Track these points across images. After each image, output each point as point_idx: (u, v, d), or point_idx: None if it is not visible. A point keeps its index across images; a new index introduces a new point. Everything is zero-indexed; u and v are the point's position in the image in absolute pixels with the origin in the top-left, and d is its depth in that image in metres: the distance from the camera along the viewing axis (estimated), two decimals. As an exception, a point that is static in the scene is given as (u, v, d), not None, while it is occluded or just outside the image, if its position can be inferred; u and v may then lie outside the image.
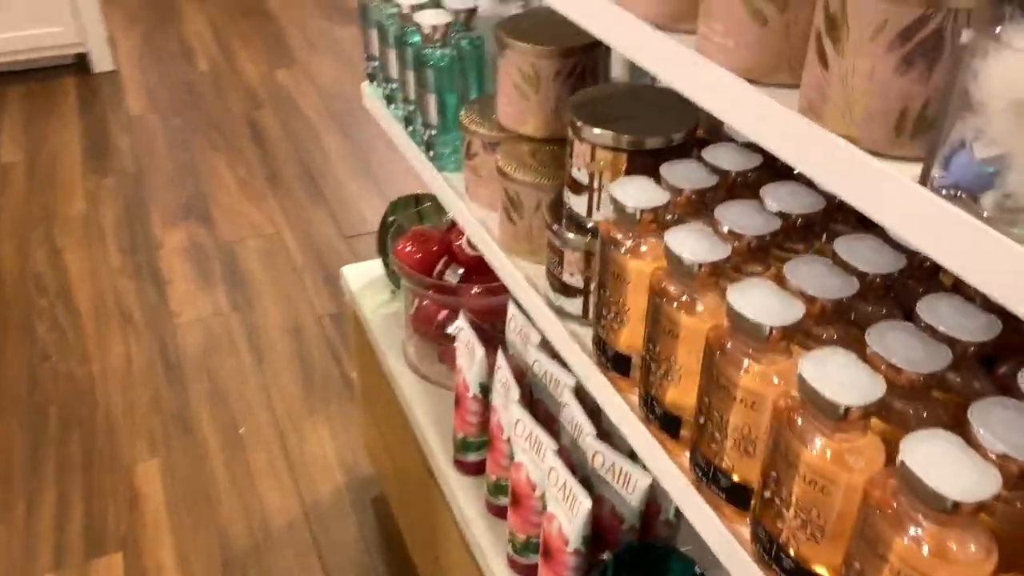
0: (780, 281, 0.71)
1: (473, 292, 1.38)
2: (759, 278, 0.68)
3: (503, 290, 1.33)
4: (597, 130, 0.87)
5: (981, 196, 0.52)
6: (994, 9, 0.53)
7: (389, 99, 1.41)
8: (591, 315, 0.94)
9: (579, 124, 0.88)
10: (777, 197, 0.77)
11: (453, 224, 1.47)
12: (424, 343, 1.49)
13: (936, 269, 0.76)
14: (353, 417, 2.11)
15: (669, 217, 0.80)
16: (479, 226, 1.17)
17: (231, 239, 2.79)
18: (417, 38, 1.23)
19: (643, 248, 0.79)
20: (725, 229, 0.74)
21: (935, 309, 0.64)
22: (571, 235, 0.93)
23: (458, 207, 1.23)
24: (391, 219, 1.67)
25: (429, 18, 1.19)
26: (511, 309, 1.25)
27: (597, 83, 1.08)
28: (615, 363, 0.86)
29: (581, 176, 0.90)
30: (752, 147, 0.87)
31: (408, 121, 1.34)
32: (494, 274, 1.18)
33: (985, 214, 0.51)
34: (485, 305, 1.37)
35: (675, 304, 0.74)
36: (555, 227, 0.95)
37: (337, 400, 2.19)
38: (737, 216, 0.75)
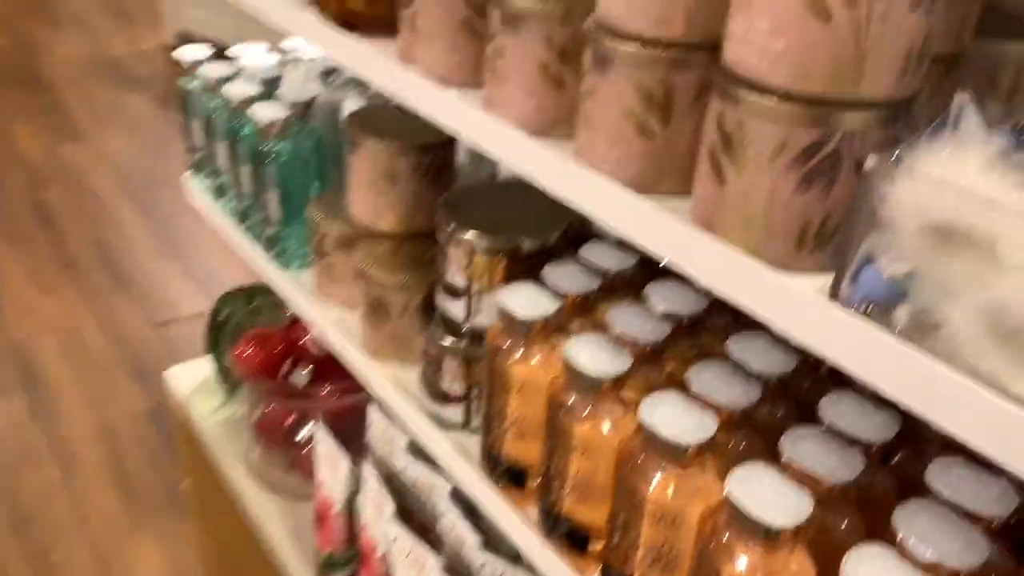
0: (672, 381, 0.71)
1: (326, 393, 1.29)
2: (667, 391, 0.67)
3: (359, 388, 1.26)
4: (473, 235, 0.84)
5: (894, 310, 0.53)
6: (888, 132, 0.56)
7: (218, 192, 1.32)
8: (479, 425, 0.89)
9: (453, 228, 0.85)
10: (663, 297, 0.77)
11: (296, 319, 1.39)
12: (271, 451, 1.38)
13: (819, 364, 0.78)
14: (185, 534, 1.91)
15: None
16: (335, 327, 1.10)
17: (23, 337, 2.51)
18: (250, 130, 1.15)
19: (536, 358, 0.76)
20: (618, 335, 0.73)
21: (838, 410, 0.65)
22: (449, 342, 0.89)
23: (307, 307, 1.15)
24: (222, 316, 1.55)
25: (266, 112, 1.12)
26: (373, 412, 1.18)
27: (455, 175, 1.06)
28: (509, 476, 0.83)
29: (457, 280, 0.86)
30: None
31: (243, 216, 1.25)
32: (348, 371, 1.12)
33: (898, 328, 0.53)
34: (341, 407, 1.29)
35: (577, 416, 0.72)
36: (431, 333, 0.91)
37: (164, 514, 1.98)
38: (631, 322, 0.74)
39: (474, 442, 0.89)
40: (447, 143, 1.02)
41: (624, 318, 0.74)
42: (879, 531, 0.60)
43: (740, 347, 0.72)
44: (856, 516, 0.62)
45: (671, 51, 0.62)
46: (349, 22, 0.96)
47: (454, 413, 0.92)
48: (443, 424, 0.93)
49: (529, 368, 0.77)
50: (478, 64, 0.83)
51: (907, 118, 0.54)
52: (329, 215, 1.09)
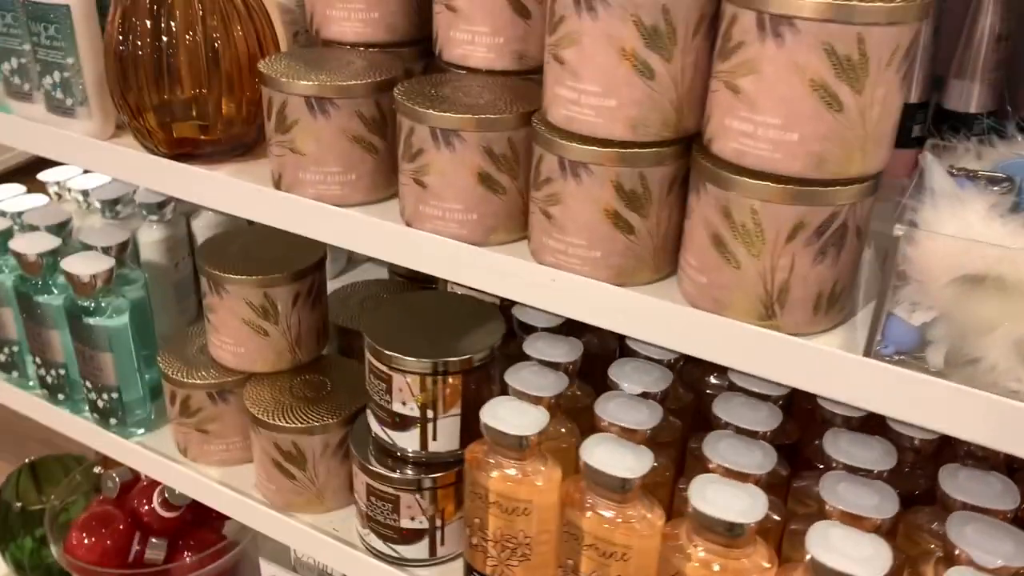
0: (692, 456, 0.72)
1: (193, 561, 1.13)
2: (711, 476, 0.67)
3: (229, 548, 1.13)
4: (421, 360, 0.78)
5: (922, 355, 0.59)
6: (874, 197, 0.61)
7: (6, 368, 1.10)
8: (447, 554, 0.84)
9: (396, 357, 0.78)
10: (633, 380, 0.78)
11: (129, 487, 1.19)
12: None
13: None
14: None
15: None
16: (222, 490, 0.97)
17: None
18: (60, 289, 0.98)
19: (541, 470, 0.73)
20: (622, 428, 0.72)
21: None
22: (406, 476, 0.82)
23: (175, 476, 1.00)
24: (13, 506, 1.29)
25: (82, 266, 0.95)
26: (268, 568, 1.06)
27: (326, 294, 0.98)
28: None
29: (407, 410, 0.80)
30: (567, 327, 0.87)
31: (54, 390, 1.06)
32: (208, 532, 1.00)
33: (934, 369, 0.58)
34: (212, 573, 1.13)
35: (611, 522, 0.70)
36: (374, 472, 0.83)
37: None
38: (625, 412, 0.73)
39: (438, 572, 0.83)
40: (320, 262, 0.95)
41: (617, 410, 0.74)
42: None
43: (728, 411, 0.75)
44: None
45: (649, 149, 0.63)
46: (183, 152, 0.86)
47: (418, 549, 0.85)
48: (403, 563, 0.86)
49: (533, 486, 0.74)
50: (375, 182, 0.78)
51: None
52: (189, 366, 0.96)
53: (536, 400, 0.76)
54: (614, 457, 0.69)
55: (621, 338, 0.92)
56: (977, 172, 0.62)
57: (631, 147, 0.63)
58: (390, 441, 0.82)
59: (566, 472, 0.75)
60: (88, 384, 1.01)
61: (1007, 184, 0.61)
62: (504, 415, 0.73)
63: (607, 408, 0.74)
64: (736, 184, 0.59)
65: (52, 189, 1.25)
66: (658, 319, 0.65)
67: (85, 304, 0.96)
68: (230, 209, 0.83)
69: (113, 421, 1.02)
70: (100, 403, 1.01)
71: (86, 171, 1.26)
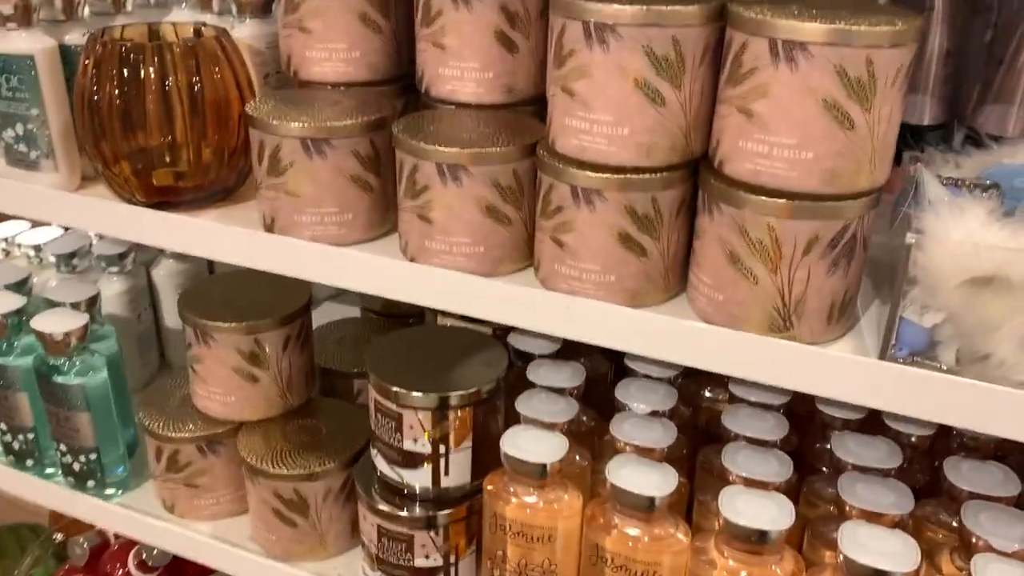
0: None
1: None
2: (738, 487, 0.69)
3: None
4: (431, 395, 0.78)
5: (934, 355, 0.62)
6: (899, 209, 0.65)
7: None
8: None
9: (405, 394, 0.78)
10: (642, 400, 0.79)
11: (99, 552, 1.14)
12: None
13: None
14: None
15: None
16: (216, 544, 0.93)
17: None
18: (28, 349, 0.94)
19: (563, 498, 0.74)
20: (640, 448, 0.74)
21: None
22: (419, 514, 0.81)
23: (161, 535, 0.96)
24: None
25: (54, 324, 0.91)
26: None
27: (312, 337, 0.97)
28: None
29: (418, 447, 0.79)
30: (564, 353, 0.88)
31: (21, 456, 1.01)
32: None
33: (946, 367, 0.62)
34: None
35: (639, 541, 0.70)
36: (384, 512, 0.82)
37: None
38: (640, 432, 0.75)
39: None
40: (308, 304, 0.93)
41: (633, 430, 0.75)
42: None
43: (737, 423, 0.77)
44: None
45: (660, 174, 0.65)
46: (162, 200, 0.84)
47: (432, 586, 0.84)
48: (419, 602, 0.85)
49: (556, 513, 0.74)
50: (371, 220, 0.78)
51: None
52: (175, 420, 0.93)
53: (550, 427, 0.77)
54: (640, 477, 0.70)
55: (612, 360, 0.94)
56: (965, 180, 0.66)
57: (643, 172, 0.65)
58: (400, 480, 0.82)
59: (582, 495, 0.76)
60: (62, 447, 0.96)
61: (994, 191, 0.65)
62: (524, 444, 0.73)
63: (623, 429, 0.75)
64: (752, 203, 0.61)
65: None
66: (677, 338, 0.67)
67: (57, 363, 0.92)
68: (221, 256, 0.81)
69: (91, 484, 0.97)
70: (76, 466, 0.96)
71: (35, 225, 1.21)
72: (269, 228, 0.79)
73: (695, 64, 0.62)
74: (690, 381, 0.89)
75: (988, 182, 0.66)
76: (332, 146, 0.74)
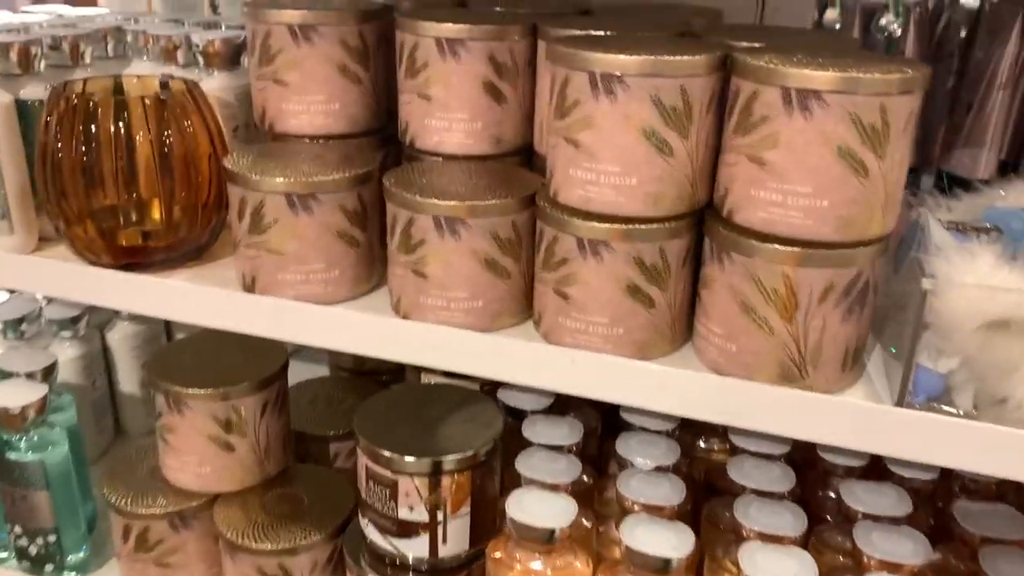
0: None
1: None
2: (755, 543, 0.67)
3: None
4: (426, 459, 0.74)
5: (949, 400, 0.62)
6: (902, 255, 0.64)
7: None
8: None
9: (399, 460, 0.74)
10: (645, 455, 0.77)
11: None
12: None
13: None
14: None
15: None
16: (188, 628, 0.87)
17: None
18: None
19: (575, 565, 0.70)
20: (649, 506, 0.71)
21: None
22: (422, 586, 0.77)
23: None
24: None
25: (10, 396, 0.85)
26: None
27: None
28: None
29: (415, 515, 0.75)
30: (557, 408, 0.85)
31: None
32: None
33: (963, 412, 0.61)
34: None
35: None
36: (379, 586, 0.77)
37: None
38: (649, 489, 0.72)
39: None
40: (285, 366, 0.89)
41: (641, 488, 0.72)
42: None
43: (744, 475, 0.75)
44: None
45: (667, 224, 0.64)
46: (130, 261, 0.80)
47: (430, 662, 0.80)
48: None
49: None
50: (357, 275, 0.75)
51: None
52: (143, 494, 0.87)
53: (553, 488, 0.74)
54: (655, 537, 0.67)
55: (603, 414, 0.92)
56: (966, 224, 0.67)
57: (651, 223, 0.63)
58: (396, 550, 0.77)
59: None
60: (17, 529, 0.89)
61: (996, 233, 0.65)
62: (530, 507, 0.70)
63: (631, 486, 0.73)
64: (766, 252, 0.60)
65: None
66: (689, 391, 0.65)
67: (12, 439, 0.85)
68: (199, 320, 0.76)
69: (49, 568, 0.90)
70: (33, 549, 0.89)
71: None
72: (249, 288, 0.75)
73: (702, 113, 0.61)
74: (686, 432, 0.88)
75: (989, 225, 0.66)
76: (319, 201, 0.71)
